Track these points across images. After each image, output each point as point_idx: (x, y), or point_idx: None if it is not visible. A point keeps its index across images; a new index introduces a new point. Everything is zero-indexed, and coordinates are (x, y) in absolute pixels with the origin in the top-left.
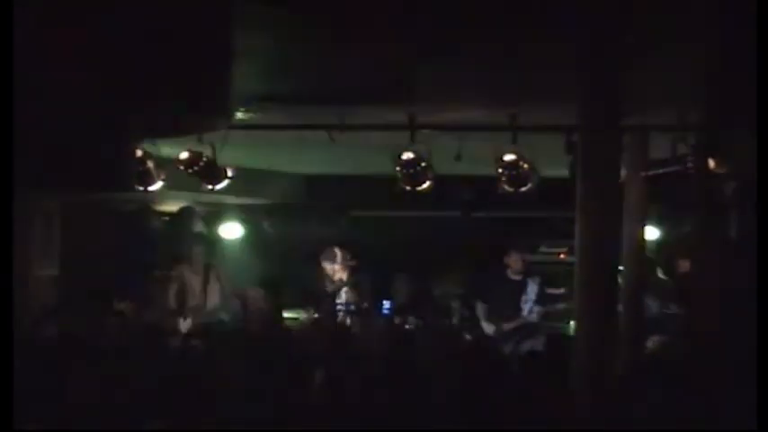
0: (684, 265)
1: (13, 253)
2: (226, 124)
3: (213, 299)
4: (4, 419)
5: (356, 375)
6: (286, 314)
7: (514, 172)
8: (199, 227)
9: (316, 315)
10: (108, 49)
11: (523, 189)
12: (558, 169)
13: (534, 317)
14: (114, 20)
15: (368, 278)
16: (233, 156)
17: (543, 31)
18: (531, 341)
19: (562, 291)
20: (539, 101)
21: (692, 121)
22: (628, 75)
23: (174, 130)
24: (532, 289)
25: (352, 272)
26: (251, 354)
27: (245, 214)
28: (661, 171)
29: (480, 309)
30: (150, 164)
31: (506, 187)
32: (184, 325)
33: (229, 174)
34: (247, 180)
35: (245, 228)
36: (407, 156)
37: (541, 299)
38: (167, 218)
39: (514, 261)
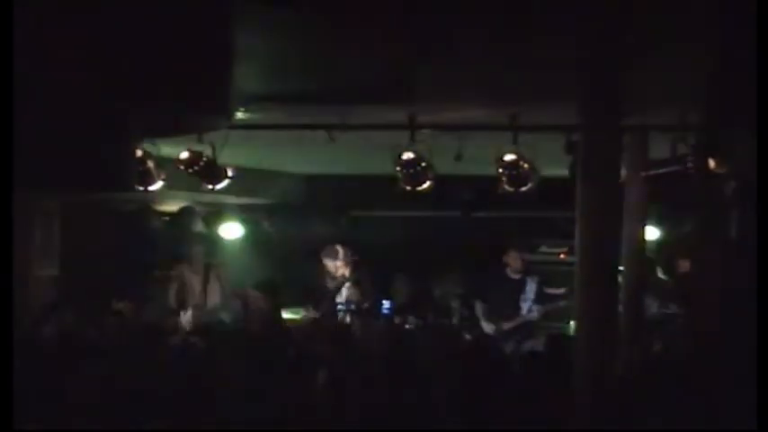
0: (684, 265)
1: (13, 253)
2: (226, 124)
3: (213, 299)
4: (4, 419)
5: (356, 375)
6: (285, 314)
7: (515, 172)
8: (199, 227)
9: (316, 314)
10: (108, 49)
11: (524, 189)
12: (558, 169)
13: (534, 315)
14: (114, 20)
15: (369, 274)
16: (233, 155)
17: (543, 30)
18: (531, 341)
19: (562, 291)
20: (539, 101)
21: (692, 121)
22: (628, 75)
23: (174, 130)
24: (531, 288)
25: (355, 268)
26: (251, 354)
27: (246, 214)
28: (661, 171)
29: (479, 308)
30: (150, 164)
31: (507, 187)
32: (185, 317)
33: (229, 174)
34: (247, 180)
35: (246, 228)
36: (408, 156)
37: (540, 298)
38: (167, 218)
39: (513, 260)
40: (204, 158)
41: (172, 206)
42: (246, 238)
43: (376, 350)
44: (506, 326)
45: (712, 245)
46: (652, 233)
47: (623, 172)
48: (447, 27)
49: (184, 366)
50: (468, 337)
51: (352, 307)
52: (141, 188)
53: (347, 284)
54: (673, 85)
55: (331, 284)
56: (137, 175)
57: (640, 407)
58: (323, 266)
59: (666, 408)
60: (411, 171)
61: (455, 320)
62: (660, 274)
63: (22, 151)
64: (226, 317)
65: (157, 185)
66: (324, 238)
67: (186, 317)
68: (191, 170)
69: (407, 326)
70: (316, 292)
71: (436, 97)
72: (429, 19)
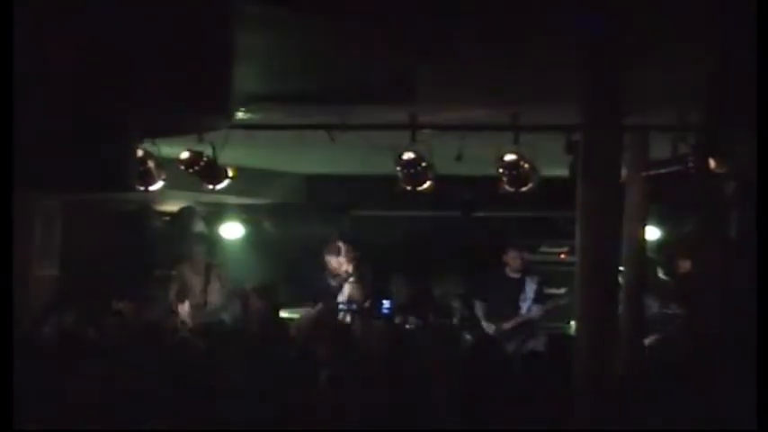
0: (685, 266)
1: (13, 253)
2: (226, 124)
3: (214, 299)
4: (4, 419)
5: (356, 375)
6: (285, 314)
7: (515, 172)
8: (200, 227)
9: (316, 313)
10: (108, 49)
11: (524, 189)
12: (558, 169)
13: (535, 314)
14: (114, 20)
15: (369, 269)
16: (233, 155)
17: (544, 30)
18: (533, 341)
19: (563, 291)
20: (539, 101)
21: (692, 120)
22: (628, 75)
23: (175, 130)
24: (531, 288)
25: (357, 265)
26: (251, 354)
27: (246, 214)
28: (662, 171)
29: (479, 308)
30: (151, 164)
31: (507, 187)
32: (182, 310)
33: (230, 173)
34: (248, 180)
35: (246, 227)
36: (408, 156)
37: (540, 298)
38: (168, 218)
39: (512, 259)
40: (205, 158)
41: (172, 206)
42: (247, 238)
43: (376, 350)
44: (507, 325)
45: (713, 245)
46: (652, 233)
47: (624, 172)
48: (447, 27)
49: (184, 366)
50: (468, 337)
51: (354, 307)
52: (142, 188)
53: (350, 280)
54: (673, 85)
55: (333, 282)
56: (137, 175)
57: (640, 407)
58: (324, 264)
59: (666, 408)
60: (411, 171)
61: (455, 320)
62: (660, 275)
63: (22, 151)
64: (226, 317)
65: (158, 185)
66: (324, 237)
67: (184, 309)
68: (191, 170)
69: (408, 326)
70: (317, 290)
71: (437, 97)
72: (429, 19)
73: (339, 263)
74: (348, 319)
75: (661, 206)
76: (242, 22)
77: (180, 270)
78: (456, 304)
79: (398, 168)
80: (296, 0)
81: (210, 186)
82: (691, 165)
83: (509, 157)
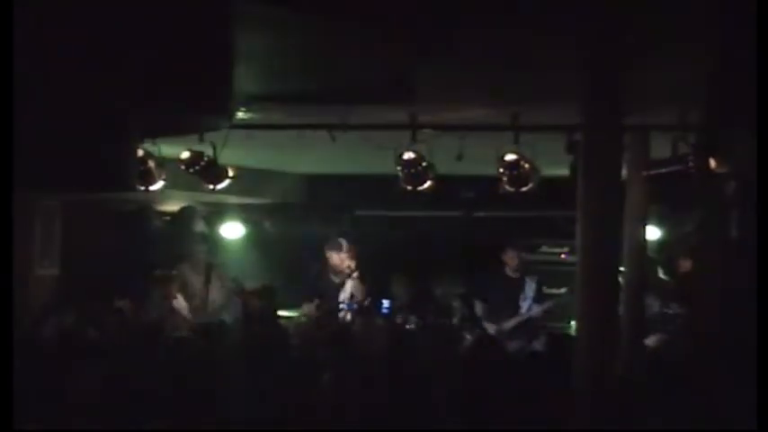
0: (685, 265)
1: (13, 253)
2: (226, 124)
3: (214, 298)
4: (4, 419)
5: (356, 375)
6: (284, 312)
7: (515, 172)
8: (200, 226)
9: (317, 313)
10: (108, 49)
11: (524, 189)
12: (559, 169)
13: (536, 312)
14: (114, 20)
15: (371, 267)
16: (234, 155)
17: (544, 30)
18: (537, 342)
19: (563, 291)
20: (539, 100)
21: (692, 120)
22: (628, 74)
23: (175, 130)
24: (530, 287)
25: (359, 261)
26: (251, 354)
27: (246, 214)
28: (662, 171)
29: (479, 308)
30: (151, 163)
31: (507, 187)
32: (178, 304)
33: (230, 173)
34: (248, 180)
35: (247, 227)
36: (408, 155)
37: (540, 297)
38: (168, 217)
39: (511, 258)
40: (205, 158)
41: (173, 206)
42: (247, 237)
43: (376, 350)
44: (508, 324)
45: (713, 244)
46: (653, 233)
47: (624, 172)
48: (447, 27)
49: (184, 366)
50: (468, 336)
51: (354, 306)
52: (142, 188)
53: (353, 275)
54: (673, 85)
55: (335, 279)
56: (137, 174)
57: (640, 407)
58: (326, 261)
59: (666, 408)
60: (412, 171)
61: (455, 320)
62: (661, 274)
63: (22, 151)
64: (226, 317)
65: (158, 185)
66: (324, 237)
67: (179, 303)
68: (192, 170)
69: (408, 326)
70: (318, 290)
71: (437, 97)
72: (429, 19)
73: (341, 259)
74: (348, 317)
75: (662, 206)
76: (242, 22)
77: (180, 270)
78: (456, 304)
79: (399, 168)
80: (296, 0)
81: (211, 186)
82: (691, 164)
83: (509, 157)
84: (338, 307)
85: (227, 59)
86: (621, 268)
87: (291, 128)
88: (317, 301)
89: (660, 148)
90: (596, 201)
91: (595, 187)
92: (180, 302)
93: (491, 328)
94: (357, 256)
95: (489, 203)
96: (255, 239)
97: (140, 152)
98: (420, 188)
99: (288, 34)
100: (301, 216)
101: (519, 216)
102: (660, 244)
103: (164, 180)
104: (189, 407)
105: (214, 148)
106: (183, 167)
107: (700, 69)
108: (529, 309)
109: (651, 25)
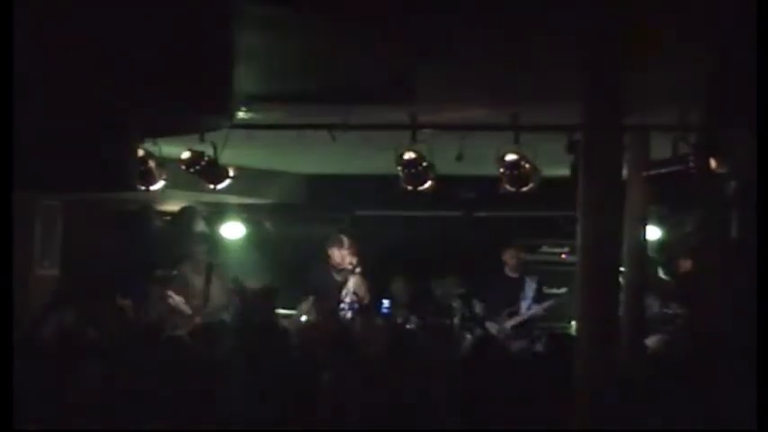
0: (686, 265)
1: (13, 253)
2: (227, 124)
3: (215, 298)
4: (4, 419)
5: (357, 375)
6: (283, 311)
7: (516, 171)
8: (201, 226)
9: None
10: (108, 49)
11: (525, 189)
12: (559, 169)
13: (538, 311)
14: (114, 19)
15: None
16: (234, 155)
17: (544, 30)
18: (539, 343)
19: (563, 291)
20: (540, 100)
21: (692, 120)
22: (628, 75)
23: (175, 130)
24: (530, 287)
25: (361, 257)
26: (251, 354)
27: (247, 214)
28: (663, 171)
29: (479, 308)
30: (152, 163)
31: (508, 187)
32: (174, 300)
33: (231, 173)
34: (249, 180)
35: (247, 227)
36: (409, 155)
37: (539, 297)
38: (169, 217)
39: (510, 257)
40: (206, 158)
41: (173, 206)
42: (248, 237)
43: (376, 350)
44: (509, 323)
45: (713, 244)
46: (653, 233)
47: (624, 172)
48: (447, 27)
49: (185, 366)
50: (468, 336)
51: (355, 306)
52: (143, 188)
53: (356, 271)
54: (673, 84)
55: (337, 277)
56: (138, 174)
57: (640, 407)
58: (327, 259)
59: (666, 408)
60: (412, 171)
61: (455, 320)
62: (661, 274)
63: (22, 151)
64: (226, 317)
65: (159, 185)
66: (325, 237)
67: (175, 299)
68: (192, 170)
69: (408, 326)
70: (313, 286)
71: (437, 97)
72: (429, 19)
73: (342, 255)
74: (349, 315)
75: (662, 206)
76: (242, 22)
77: (181, 270)
78: (456, 304)
79: (399, 168)
80: (296, 0)
81: (211, 186)
82: (691, 164)
83: (510, 157)
84: (338, 306)
85: (227, 59)
86: (621, 268)
87: (292, 128)
88: (311, 298)
89: (660, 148)
90: (596, 201)
91: (596, 187)
92: (175, 299)
93: (493, 328)
94: (359, 252)
95: (489, 203)
96: (256, 239)
97: (141, 152)
98: (420, 188)
99: (288, 34)
100: (302, 216)
101: (519, 216)
102: (660, 244)
103: (164, 180)
104: (189, 407)
105: (215, 148)
106: (183, 167)
107: (700, 69)
108: (529, 309)
109: (651, 25)
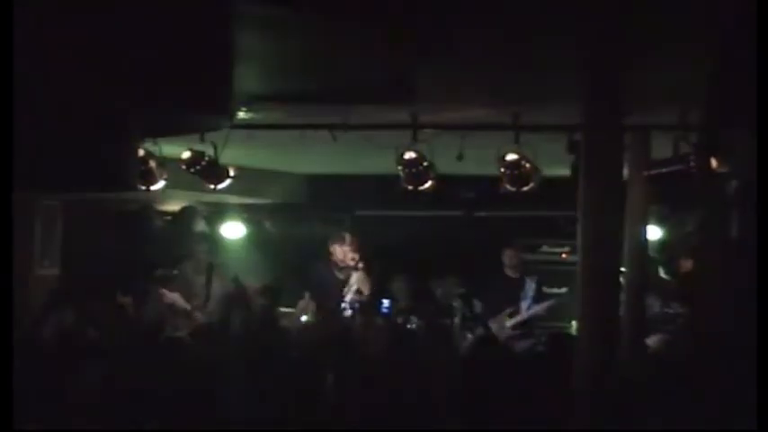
0: (686, 265)
1: (13, 253)
2: (227, 124)
3: (215, 298)
4: (4, 419)
5: (357, 375)
6: (285, 309)
7: (516, 171)
8: (201, 226)
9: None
10: (108, 49)
11: (525, 189)
12: (560, 169)
13: (539, 310)
14: (114, 20)
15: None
16: (234, 155)
17: (544, 30)
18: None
19: (563, 291)
20: (540, 100)
21: (693, 120)
22: (628, 74)
23: (176, 130)
24: (530, 287)
25: (363, 254)
26: (251, 354)
27: (247, 214)
28: (663, 170)
29: (479, 308)
30: (152, 163)
31: (508, 187)
32: (170, 297)
33: (231, 173)
34: (249, 180)
35: (247, 227)
36: (409, 155)
37: (539, 297)
38: (169, 217)
39: (509, 257)
40: (206, 158)
41: (174, 206)
42: (248, 237)
43: (376, 350)
44: (510, 323)
45: (714, 244)
46: (654, 233)
47: (625, 171)
48: (447, 27)
49: (185, 366)
50: (468, 336)
51: (356, 306)
52: (143, 188)
53: (359, 267)
54: (673, 84)
55: (340, 274)
56: (138, 174)
57: (640, 407)
58: (330, 256)
59: (666, 408)
60: (413, 171)
61: (456, 320)
62: (662, 274)
63: (22, 151)
64: (227, 317)
65: (159, 185)
66: (325, 237)
67: (174, 296)
68: (192, 170)
69: (408, 326)
70: (319, 287)
71: (438, 97)
72: (429, 19)
73: (344, 252)
74: (349, 312)
75: (662, 206)
76: (242, 22)
77: (181, 270)
78: (456, 304)
79: (400, 168)
80: (296, 0)
81: (212, 186)
82: (692, 164)
83: (510, 157)
84: (339, 305)
85: (228, 59)
86: (622, 268)
87: (292, 128)
88: (307, 295)
89: (661, 147)
90: (597, 201)
91: (596, 187)
92: (169, 296)
93: (494, 328)
94: (361, 248)
95: (490, 203)
96: (256, 239)
97: (141, 152)
98: (421, 188)
99: (288, 34)
100: (302, 216)
101: (519, 216)
102: (661, 244)
103: (165, 180)
104: (189, 407)
105: (215, 148)
106: (183, 167)
107: (700, 69)
108: (529, 308)
109: (651, 25)
